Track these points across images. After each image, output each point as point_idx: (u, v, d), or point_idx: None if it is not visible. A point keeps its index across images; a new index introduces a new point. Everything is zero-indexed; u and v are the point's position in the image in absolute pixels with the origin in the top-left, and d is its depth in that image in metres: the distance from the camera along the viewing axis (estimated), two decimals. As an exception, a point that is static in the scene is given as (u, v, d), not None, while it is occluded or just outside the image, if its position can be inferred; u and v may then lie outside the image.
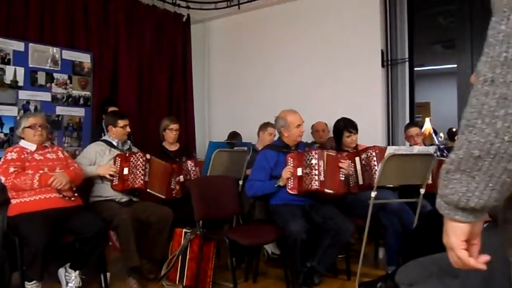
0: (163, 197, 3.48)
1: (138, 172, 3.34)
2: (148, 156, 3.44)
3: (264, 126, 4.59)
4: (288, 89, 5.47)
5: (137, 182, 3.32)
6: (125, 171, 3.32)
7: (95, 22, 4.94)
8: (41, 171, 2.97)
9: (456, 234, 0.86)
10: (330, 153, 3.26)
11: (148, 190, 3.37)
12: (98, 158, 3.39)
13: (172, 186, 3.61)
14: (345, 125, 3.71)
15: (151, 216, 3.29)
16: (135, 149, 3.67)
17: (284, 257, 3.27)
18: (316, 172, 3.10)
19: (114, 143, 3.49)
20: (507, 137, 0.72)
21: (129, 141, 3.65)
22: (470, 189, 0.78)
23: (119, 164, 3.34)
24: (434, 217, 2.67)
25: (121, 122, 3.49)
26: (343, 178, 3.22)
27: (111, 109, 4.39)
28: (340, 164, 3.22)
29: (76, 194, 3.08)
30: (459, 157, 0.79)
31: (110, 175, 3.29)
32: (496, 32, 0.73)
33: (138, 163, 3.36)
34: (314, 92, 5.29)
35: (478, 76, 0.75)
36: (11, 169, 2.88)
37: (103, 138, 3.57)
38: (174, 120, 4.33)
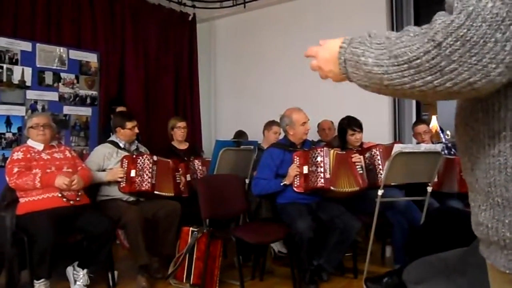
0: (172, 194, 3.49)
1: (145, 175, 3.35)
2: (155, 158, 3.45)
3: (269, 124, 4.59)
4: (294, 88, 5.46)
5: (144, 185, 3.33)
6: (132, 173, 3.34)
7: (102, 22, 4.96)
8: (48, 170, 3.00)
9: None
10: (338, 151, 3.26)
11: (155, 192, 3.38)
12: (105, 161, 3.41)
13: (177, 181, 3.61)
14: (349, 123, 3.70)
15: (159, 211, 3.31)
16: (142, 149, 3.69)
17: (291, 256, 3.26)
18: (322, 169, 3.10)
19: (121, 144, 3.50)
20: None
21: (136, 141, 3.66)
22: None
23: (126, 166, 3.36)
24: (441, 215, 2.66)
25: (129, 124, 3.50)
26: (361, 172, 3.22)
27: (119, 109, 4.41)
28: (354, 159, 3.22)
29: (80, 194, 3.06)
30: None
31: (120, 176, 3.32)
32: (465, 1, 0.70)
33: (145, 165, 3.37)
34: (321, 90, 5.25)
35: (430, 28, 0.73)
36: (15, 170, 2.91)
37: (110, 139, 3.58)
38: (181, 118, 4.39)
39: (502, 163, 0.78)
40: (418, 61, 0.72)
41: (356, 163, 3.24)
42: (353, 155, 3.27)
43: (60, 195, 2.94)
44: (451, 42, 0.69)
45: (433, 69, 0.71)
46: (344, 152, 3.31)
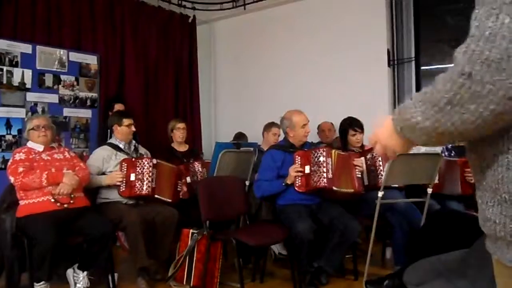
0: (170, 201, 3.48)
1: (145, 179, 3.34)
2: (154, 161, 3.45)
3: (268, 126, 4.59)
4: (294, 89, 5.46)
5: (145, 190, 3.33)
6: (132, 177, 3.33)
7: (102, 24, 4.97)
8: (48, 171, 2.99)
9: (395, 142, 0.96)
10: (340, 152, 3.27)
11: (156, 196, 3.38)
12: (104, 164, 3.40)
13: (178, 189, 3.61)
14: (351, 123, 3.71)
15: (157, 217, 3.30)
16: (142, 150, 3.68)
17: (291, 257, 3.26)
18: (324, 169, 3.09)
19: (121, 145, 3.50)
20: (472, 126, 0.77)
21: (134, 141, 3.66)
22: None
23: (125, 169, 3.35)
24: (441, 217, 2.66)
25: (126, 121, 3.50)
26: (359, 176, 3.22)
27: (117, 106, 4.41)
28: (355, 162, 3.22)
29: (73, 196, 3.01)
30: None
31: (118, 181, 3.32)
32: (482, 27, 0.74)
33: (144, 169, 3.36)
34: (320, 92, 5.27)
35: (455, 64, 0.77)
36: (20, 169, 2.90)
37: (109, 141, 3.57)
38: (180, 120, 4.40)
39: (510, 160, 0.82)
40: (458, 96, 0.76)
41: (356, 167, 3.24)
42: (355, 158, 3.27)
43: (53, 200, 2.92)
44: (479, 68, 0.73)
45: (473, 97, 0.75)
46: (346, 153, 3.31)
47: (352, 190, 3.18)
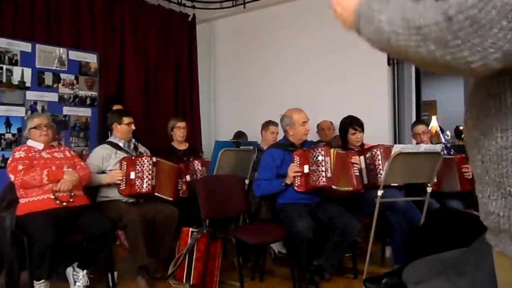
0: (170, 199, 3.49)
1: (145, 177, 3.34)
2: (154, 159, 3.45)
3: (266, 125, 4.59)
4: (294, 88, 5.46)
5: (145, 188, 3.33)
6: (132, 175, 3.33)
7: (101, 23, 4.96)
8: (48, 169, 2.99)
9: None
10: (338, 151, 3.27)
11: (156, 194, 3.38)
12: (104, 162, 3.40)
13: (179, 187, 3.62)
14: (351, 122, 3.71)
15: (157, 215, 3.31)
16: (142, 148, 3.69)
17: (290, 256, 3.27)
18: (323, 168, 3.09)
19: (120, 144, 3.50)
20: None
21: (133, 140, 3.66)
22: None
23: (125, 168, 3.35)
24: (441, 216, 2.66)
25: (126, 119, 3.50)
26: (357, 174, 3.22)
27: (116, 107, 4.42)
28: (353, 160, 3.22)
29: (73, 195, 3.01)
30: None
31: (118, 179, 3.32)
32: None
33: (144, 167, 3.36)
34: (320, 91, 5.28)
35: (446, 1, 0.76)
36: (20, 167, 2.90)
37: (109, 139, 3.57)
38: (180, 118, 4.41)
39: None
40: (427, 29, 0.76)
41: (354, 165, 3.24)
42: (352, 156, 3.28)
43: (53, 196, 2.93)
44: (461, 20, 0.72)
45: (439, 40, 0.75)
46: (344, 152, 3.31)
47: (351, 188, 3.18)
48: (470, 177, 3.44)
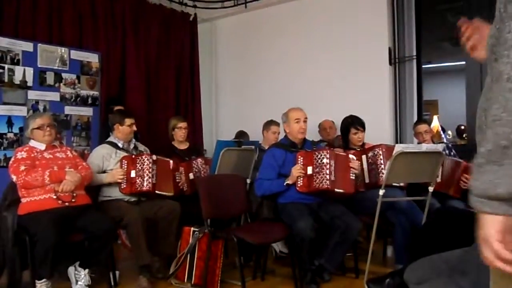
0: (172, 194, 3.49)
1: (145, 175, 3.34)
2: (154, 157, 3.45)
3: (267, 124, 4.59)
4: (296, 88, 5.46)
5: (145, 186, 3.33)
6: (132, 174, 3.33)
7: (103, 22, 4.97)
8: (50, 169, 3.00)
9: (490, 225, 0.86)
10: (340, 153, 3.26)
11: (156, 192, 3.38)
12: (105, 162, 3.41)
13: (177, 180, 3.61)
14: (352, 122, 3.71)
15: (159, 211, 3.31)
16: (141, 147, 3.69)
17: (292, 256, 3.27)
18: (328, 171, 3.08)
19: (120, 144, 3.50)
20: None
21: (133, 140, 3.66)
22: (498, 176, 0.81)
23: (125, 166, 3.36)
24: (442, 215, 2.66)
25: (128, 121, 3.50)
26: (353, 178, 3.21)
27: (117, 108, 4.42)
28: (351, 164, 3.22)
29: (75, 195, 3.02)
30: (487, 149, 0.83)
31: (119, 178, 3.32)
32: None
33: (144, 165, 3.36)
34: (322, 90, 5.27)
35: (501, 75, 0.79)
36: (22, 167, 2.91)
37: (108, 139, 3.58)
38: (181, 118, 4.39)
39: None
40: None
41: (352, 169, 3.22)
42: (352, 160, 3.26)
43: (55, 196, 2.93)
44: None
45: None
46: (344, 154, 3.30)
47: (343, 191, 3.16)
48: (465, 187, 3.44)
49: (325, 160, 3.11)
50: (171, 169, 3.58)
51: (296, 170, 3.17)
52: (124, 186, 3.33)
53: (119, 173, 3.32)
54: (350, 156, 3.30)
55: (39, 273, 2.73)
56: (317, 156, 3.16)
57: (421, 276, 1.72)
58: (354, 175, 3.22)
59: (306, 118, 3.38)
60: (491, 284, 0.97)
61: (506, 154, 0.80)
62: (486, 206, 0.84)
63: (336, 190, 3.09)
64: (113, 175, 3.33)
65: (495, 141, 0.81)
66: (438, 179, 3.39)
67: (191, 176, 3.80)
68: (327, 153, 3.14)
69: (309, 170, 3.16)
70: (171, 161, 3.61)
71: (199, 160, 3.96)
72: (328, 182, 3.07)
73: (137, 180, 3.33)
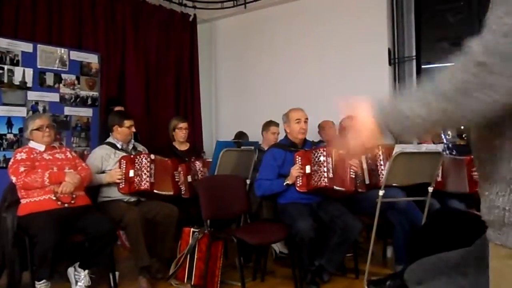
0: (171, 193, 3.49)
1: (144, 174, 3.35)
2: (152, 156, 3.45)
3: (267, 125, 4.59)
4: (295, 88, 5.46)
5: (143, 184, 3.33)
6: (131, 173, 3.34)
7: (103, 23, 4.97)
8: (50, 170, 2.99)
9: None
10: (338, 151, 3.26)
11: (155, 191, 3.38)
12: (104, 162, 3.41)
13: (176, 179, 3.61)
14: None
15: (157, 215, 3.31)
16: (140, 147, 3.69)
17: (292, 256, 3.26)
18: (325, 169, 3.09)
19: (118, 145, 3.50)
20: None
21: (132, 140, 3.65)
22: None
23: (124, 166, 3.36)
24: (442, 216, 2.66)
25: (127, 122, 3.50)
26: (353, 176, 3.21)
27: (117, 109, 4.41)
28: (350, 162, 3.22)
29: (75, 196, 3.01)
30: None
31: (118, 178, 3.32)
32: (500, 23, 0.80)
33: (143, 164, 3.37)
34: (321, 91, 5.27)
35: (470, 55, 0.82)
36: (21, 169, 2.90)
37: (108, 140, 3.58)
38: (182, 119, 4.38)
39: None
40: (469, 85, 0.81)
41: (351, 167, 3.22)
42: (352, 159, 3.25)
43: (54, 197, 2.93)
44: (492, 60, 0.79)
45: (483, 86, 0.80)
46: (343, 152, 3.29)
47: (344, 189, 3.16)
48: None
49: (322, 158, 3.12)
50: (170, 168, 3.57)
51: (295, 170, 3.17)
52: (123, 185, 3.33)
53: (117, 173, 3.32)
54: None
55: (38, 274, 2.73)
56: (314, 154, 3.17)
57: (420, 276, 1.72)
58: (353, 173, 3.22)
59: (306, 118, 3.38)
60: (491, 285, 0.98)
61: None
62: None
63: (335, 187, 3.09)
64: (111, 175, 3.33)
65: None
66: (439, 178, 3.38)
67: (189, 179, 3.80)
68: (324, 150, 3.15)
69: (307, 169, 3.16)
70: (169, 160, 3.61)
71: (198, 162, 3.96)
72: (326, 179, 3.07)
73: (136, 179, 3.33)
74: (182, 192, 3.71)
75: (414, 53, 4.96)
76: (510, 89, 0.79)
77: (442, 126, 0.89)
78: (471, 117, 0.84)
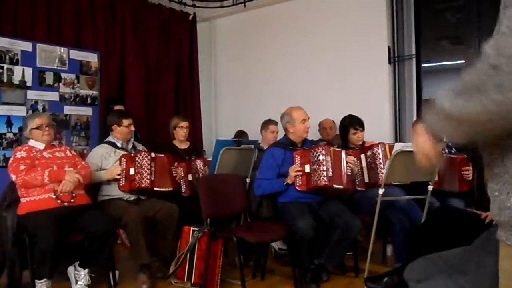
0: (171, 189, 3.49)
1: (144, 172, 3.35)
2: (152, 154, 3.45)
3: (266, 124, 4.59)
4: (295, 87, 5.46)
5: (144, 182, 3.33)
6: (131, 171, 3.34)
7: (102, 22, 4.97)
8: (50, 169, 3.00)
9: None
10: (335, 149, 3.26)
11: (155, 188, 3.38)
12: (103, 161, 3.41)
13: (174, 174, 3.61)
14: (351, 122, 3.71)
15: (158, 214, 3.31)
16: (140, 146, 3.69)
17: (292, 255, 3.27)
18: (324, 168, 3.09)
19: (118, 144, 3.50)
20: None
21: (132, 139, 3.65)
22: None
23: (125, 164, 3.36)
24: (442, 214, 2.66)
25: (125, 121, 3.50)
26: (350, 173, 3.21)
27: (116, 107, 4.41)
28: (346, 159, 3.22)
29: (74, 195, 3.01)
30: None
31: (117, 174, 3.32)
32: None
33: (143, 162, 3.37)
34: (321, 90, 5.27)
35: (485, 57, 0.83)
36: (21, 167, 2.90)
37: (107, 139, 3.58)
38: (183, 118, 4.38)
39: None
40: (484, 85, 0.82)
41: (348, 164, 3.22)
42: (348, 156, 3.25)
43: (54, 196, 2.93)
44: (505, 62, 0.80)
45: (497, 87, 0.81)
46: (340, 150, 3.29)
47: (341, 187, 3.16)
48: (470, 178, 3.43)
49: (321, 157, 3.11)
50: (167, 164, 3.57)
51: (293, 170, 3.17)
52: (123, 183, 3.33)
53: (117, 169, 3.32)
54: (342, 153, 3.27)
55: (39, 273, 2.73)
56: (313, 153, 3.16)
57: (420, 275, 1.72)
58: (350, 170, 3.21)
59: (308, 117, 3.39)
60: (501, 285, 0.99)
61: None
62: None
63: (334, 186, 3.09)
64: (111, 172, 3.33)
65: None
66: (436, 178, 3.38)
67: (189, 177, 3.80)
68: (323, 149, 3.15)
69: (307, 168, 3.16)
70: (165, 156, 3.60)
71: (198, 161, 3.96)
72: (326, 178, 3.07)
73: (136, 177, 3.33)
74: (183, 190, 3.72)
75: (414, 52, 4.96)
76: None
77: (464, 127, 0.91)
78: (485, 117, 0.84)
